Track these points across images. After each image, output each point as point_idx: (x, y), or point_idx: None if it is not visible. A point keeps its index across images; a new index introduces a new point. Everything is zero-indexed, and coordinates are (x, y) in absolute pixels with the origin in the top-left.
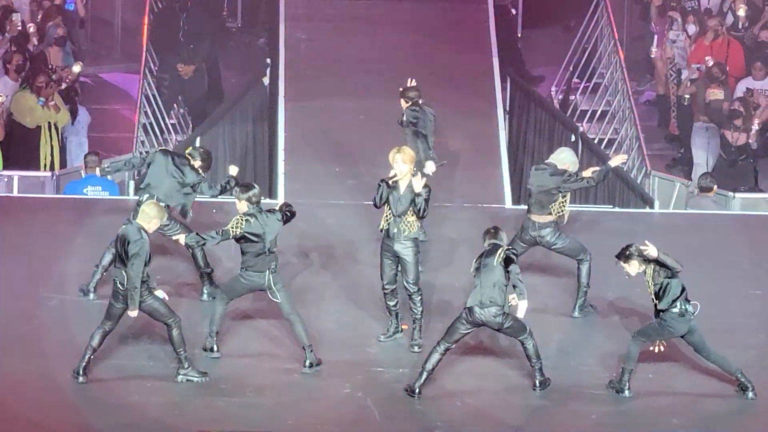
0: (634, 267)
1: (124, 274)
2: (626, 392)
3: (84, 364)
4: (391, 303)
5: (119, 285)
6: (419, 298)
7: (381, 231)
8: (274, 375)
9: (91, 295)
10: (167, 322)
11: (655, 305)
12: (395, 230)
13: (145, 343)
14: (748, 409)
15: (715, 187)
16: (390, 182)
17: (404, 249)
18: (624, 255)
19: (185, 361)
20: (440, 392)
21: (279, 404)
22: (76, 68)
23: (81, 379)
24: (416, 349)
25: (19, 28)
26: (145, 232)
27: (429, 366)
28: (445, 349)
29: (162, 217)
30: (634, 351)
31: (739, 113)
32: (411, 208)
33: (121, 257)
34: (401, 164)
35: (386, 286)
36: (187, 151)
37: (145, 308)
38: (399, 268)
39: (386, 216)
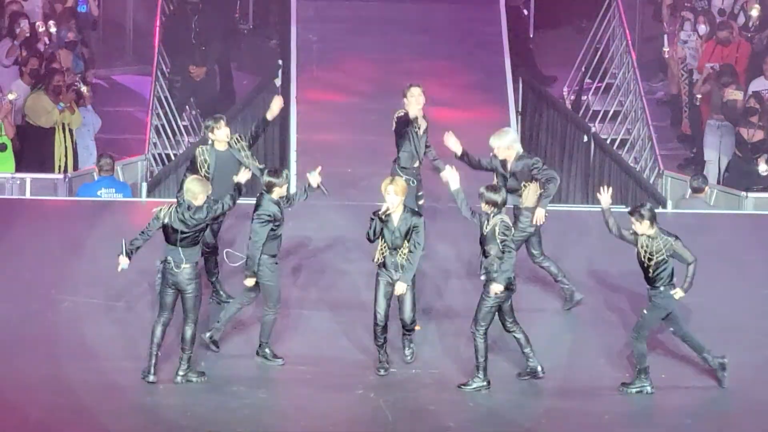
0: (643, 227)
1: (182, 254)
2: (648, 388)
3: (153, 362)
4: (382, 337)
5: (173, 267)
6: (411, 326)
7: (376, 263)
8: (286, 376)
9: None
10: (189, 317)
11: (647, 277)
12: (392, 261)
13: None
14: (761, 408)
15: (707, 187)
16: (382, 216)
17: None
18: (638, 212)
19: (186, 362)
20: (452, 393)
21: (291, 405)
22: (84, 89)
23: (152, 378)
24: (409, 359)
25: (27, 35)
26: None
27: (484, 356)
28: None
29: (207, 190)
30: (642, 349)
31: (754, 110)
32: (407, 240)
33: (178, 237)
34: (393, 196)
35: (379, 321)
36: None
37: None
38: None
39: (381, 249)
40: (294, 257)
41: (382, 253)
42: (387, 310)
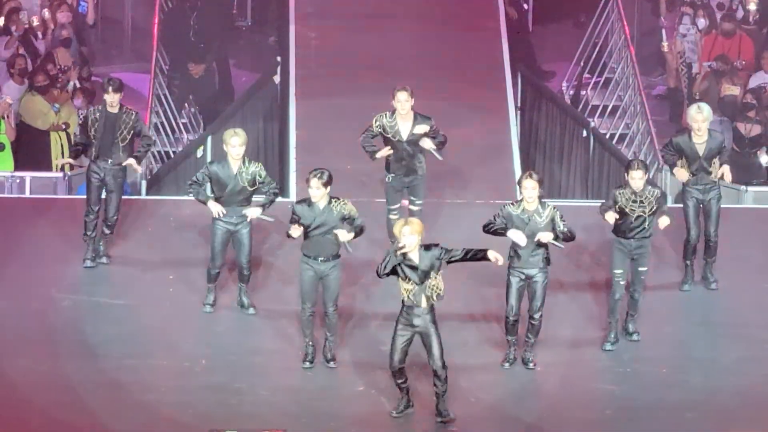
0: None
1: None
2: (635, 336)
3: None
4: (401, 381)
5: None
6: (444, 375)
7: (404, 303)
8: (287, 373)
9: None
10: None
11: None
12: (422, 298)
13: (158, 342)
14: (762, 403)
15: None
16: (397, 253)
17: (430, 323)
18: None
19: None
20: (454, 388)
21: (292, 402)
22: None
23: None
24: (438, 419)
25: (26, 25)
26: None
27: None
28: None
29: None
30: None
31: (752, 105)
32: (434, 271)
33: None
34: (410, 237)
35: (395, 365)
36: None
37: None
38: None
39: (406, 289)
40: (295, 253)
41: (410, 292)
42: (405, 355)
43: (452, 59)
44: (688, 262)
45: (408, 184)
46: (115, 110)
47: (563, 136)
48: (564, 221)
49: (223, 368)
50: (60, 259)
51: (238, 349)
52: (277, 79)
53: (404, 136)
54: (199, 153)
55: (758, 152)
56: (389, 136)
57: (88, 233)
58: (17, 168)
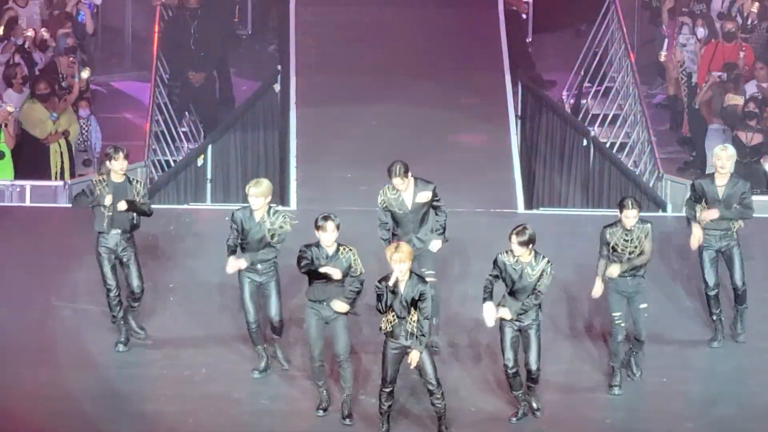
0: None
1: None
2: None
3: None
4: (387, 404)
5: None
6: (440, 392)
7: (384, 332)
8: (287, 382)
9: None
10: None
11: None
12: (400, 329)
13: (158, 351)
14: (761, 414)
15: None
16: (392, 287)
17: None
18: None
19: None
20: (454, 397)
21: (292, 411)
22: (84, 74)
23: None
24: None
25: (27, 34)
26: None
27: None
28: None
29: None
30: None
31: (753, 114)
32: (413, 308)
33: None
34: (400, 264)
35: (387, 387)
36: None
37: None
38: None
39: (388, 318)
40: (291, 262)
41: (390, 323)
42: (396, 376)
43: (453, 68)
44: (714, 317)
45: (416, 253)
46: (121, 179)
47: (563, 145)
48: (551, 276)
49: (223, 378)
50: (60, 267)
51: (238, 359)
52: (277, 87)
53: (409, 207)
54: (200, 162)
55: (761, 160)
56: (395, 209)
57: (115, 314)
58: (17, 176)
